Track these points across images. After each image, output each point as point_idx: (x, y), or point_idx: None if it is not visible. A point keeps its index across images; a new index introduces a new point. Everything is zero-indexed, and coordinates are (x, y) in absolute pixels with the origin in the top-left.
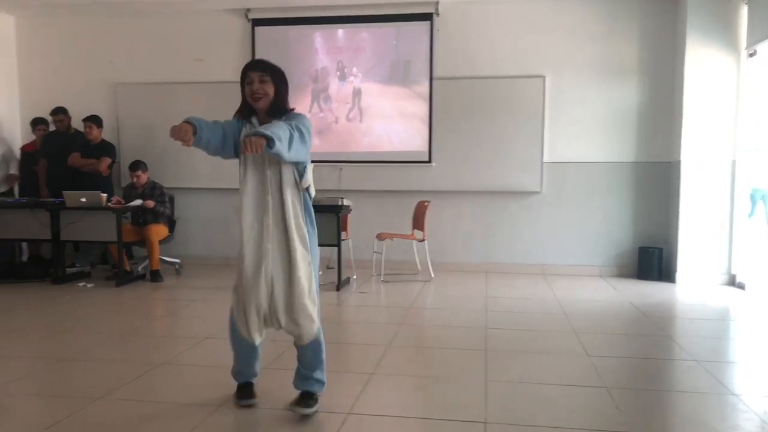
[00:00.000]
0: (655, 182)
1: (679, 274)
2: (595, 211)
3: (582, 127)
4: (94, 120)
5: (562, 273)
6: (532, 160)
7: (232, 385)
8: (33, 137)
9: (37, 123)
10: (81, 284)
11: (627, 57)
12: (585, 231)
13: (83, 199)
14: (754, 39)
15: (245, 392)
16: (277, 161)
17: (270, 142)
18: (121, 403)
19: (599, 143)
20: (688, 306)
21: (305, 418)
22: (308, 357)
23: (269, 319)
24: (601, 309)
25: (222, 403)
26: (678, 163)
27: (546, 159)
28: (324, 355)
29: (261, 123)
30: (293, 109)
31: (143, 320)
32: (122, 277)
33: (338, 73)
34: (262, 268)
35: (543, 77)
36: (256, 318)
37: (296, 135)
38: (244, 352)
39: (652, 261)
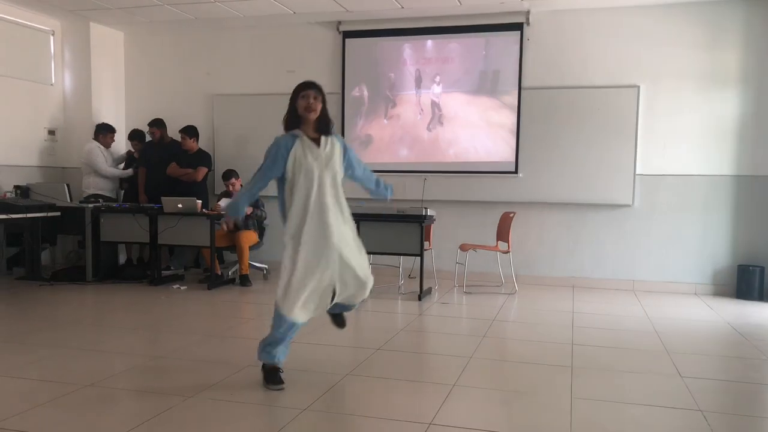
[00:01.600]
0: (757, 196)
1: None
2: (690, 225)
3: (678, 139)
4: (187, 131)
5: (653, 290)
6: (623, 171)
7: (317, 389)
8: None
9: (132, 137)
10: (175, 286)
11: (729, 65)
12: (679, 246)
13: (180, 205)
14: None
15: (278, 377)
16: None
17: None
18: (212, 403)
19: (696, 155)
20: None
21: None
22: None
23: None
24: (695, 328)
25: (308, 405)
26: None
27: (639, 171)
28: None
29: (306, 133)
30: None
31: (232, 323)
32: (213, 281)
33: (426, 84)
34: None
35: (637, 87)
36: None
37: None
38: (290, 334)
39: (753, 280)
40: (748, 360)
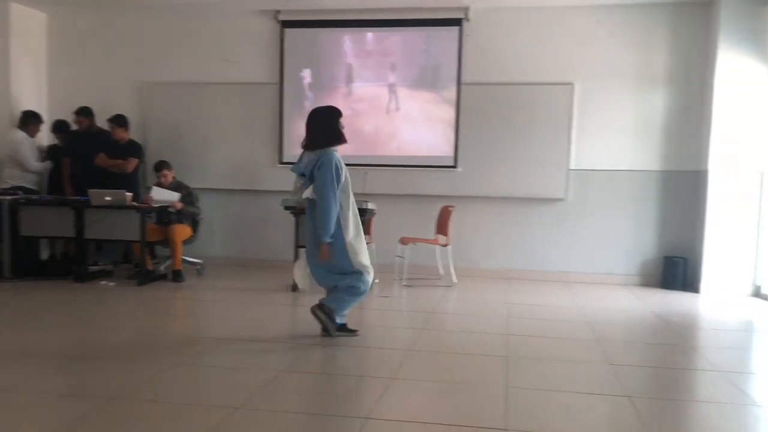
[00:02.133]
0: (682, 191)
1: (704, 285)
2: (620, 219)
3: (610, 135)
4: (116, 120)
5: (585, 281)
6: (558, 167)
7: (251, 386)
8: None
9: (57, 130)
10: (103, 283)
11: (658, 65)
12: (609, 239)
13: (108, 198)
14: None
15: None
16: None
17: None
18: (135, 404)
19: (626, 151)
20: (711, 316)
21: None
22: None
23: None
24: (624, 318)
25: (241, 405)
26: (705, 173)
27: (572, 166)
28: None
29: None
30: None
31: (164, 320)
32: (144, 277)
33: (366, 76)
34: None
35: (572, 84)
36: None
37: (328, 204)
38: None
39: (677, 271)
40: (673, 347)
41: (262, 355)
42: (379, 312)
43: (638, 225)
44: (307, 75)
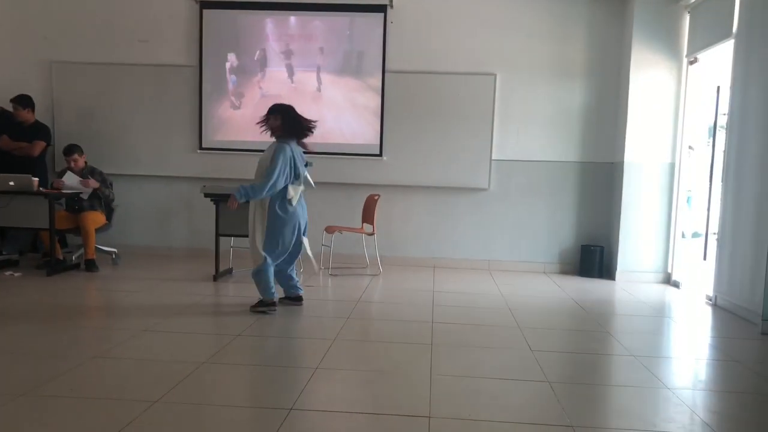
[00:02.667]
0: (599, 182)
1: (619, 272)
2: (540, 209)
3: (530, 126)
4: (19, 101)
5: (507, 269)
6: (481, 157)
7: (170, 379)
8: None
9: None
10: (8, 273)
11: (576, 59)
12: (530, 228)
13: (11, 183)
14: (694, 47)
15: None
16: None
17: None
18: (49, 399)
19: (546, 142)
20: (626, 302)
21: None
22: None
23: None
24: (544, 305)
25: (159, 398)
26: (621, 164)
27: (494, 156)
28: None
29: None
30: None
31: (75, 311)
32: (54, 266)
33: (288, 61)
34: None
35: (494, 75)
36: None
37: (271, 180)
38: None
39: (594, 259)
40: (590, 332)
41: (181, 347)
42: (305, 301)
43: (557, 214)
44: (229, 58)
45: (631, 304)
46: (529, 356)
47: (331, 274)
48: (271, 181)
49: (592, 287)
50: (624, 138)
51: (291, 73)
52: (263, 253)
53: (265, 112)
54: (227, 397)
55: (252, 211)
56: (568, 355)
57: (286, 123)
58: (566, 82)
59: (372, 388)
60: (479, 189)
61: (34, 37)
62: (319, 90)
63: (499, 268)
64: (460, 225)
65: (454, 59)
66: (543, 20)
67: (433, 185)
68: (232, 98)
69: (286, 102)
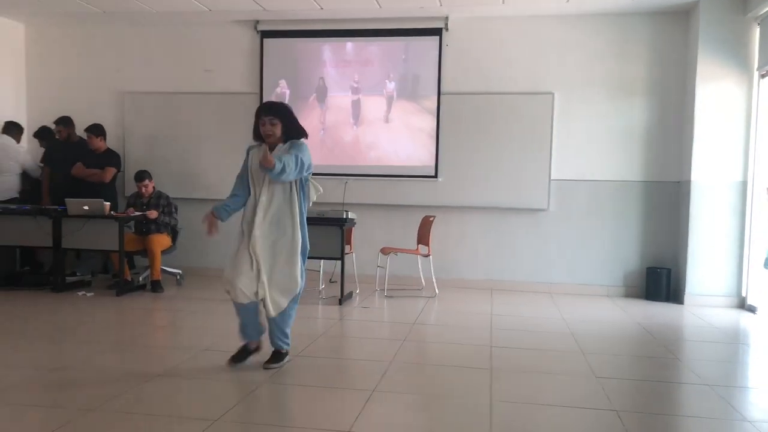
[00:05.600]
0: (665, 202)
1: (688, 296)
2: (602, 229)
3: (590, 145)
4: (93, 130)
5: (568, 292)
6: (539, 177)
7: (229, 398)
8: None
9: (40, 136)
10: (81, 293)
11: (637, 75)
12: (592, 250)
13: (86, 207)
14: (766, 59)
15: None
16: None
17: (277, 166)
18: (116, 415)
19: (608, 161)
20: (697, 328)
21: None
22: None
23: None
24: (608, 329)
25: (219, 417)
26: (688, 183)
27: (554, 176)
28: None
29: (272, 151)
30: (298, 138)
31: (142, 330)
32: (122, 287)
33: (345, 86)
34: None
35: (552, 94)
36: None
37: (298, 165)
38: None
39: (661, 282)
40: (658, 359)
41: (240, 367)
42: (360, 323)
43: (620, 235)
44: (285, 85)
45: (702, 329)
46: (593, 383)
47: (386, 296)
48: (294, 165)
49: (659, 311)
50: (690, 156)
51: (347, 97)
52: (301, 281)
53: (321, 134)
54: (285, 417)
55: (269, 222)
56: (635, 382)
57: (290, 127)
58: (628, 100)
59: (430, 412)
60: (538, 209)
61: (108, 69)
62: (375, 114)
63: (559, 291)
64: (519, 246)
65: (511, 80)
66: (602, 38)
67: (489, 206)
68: None
69: (343, 123)
